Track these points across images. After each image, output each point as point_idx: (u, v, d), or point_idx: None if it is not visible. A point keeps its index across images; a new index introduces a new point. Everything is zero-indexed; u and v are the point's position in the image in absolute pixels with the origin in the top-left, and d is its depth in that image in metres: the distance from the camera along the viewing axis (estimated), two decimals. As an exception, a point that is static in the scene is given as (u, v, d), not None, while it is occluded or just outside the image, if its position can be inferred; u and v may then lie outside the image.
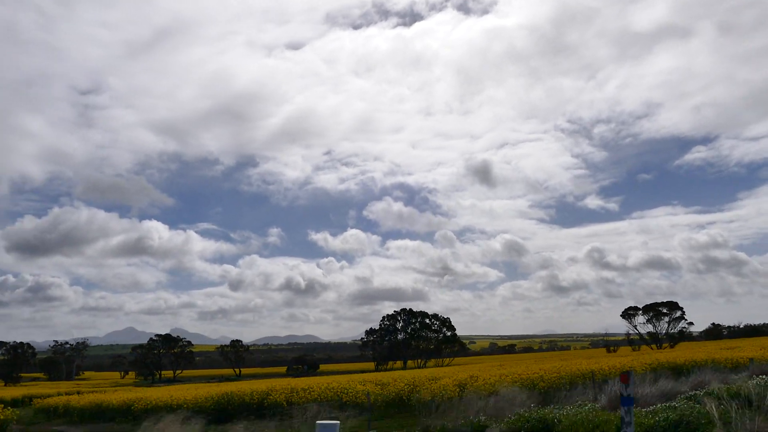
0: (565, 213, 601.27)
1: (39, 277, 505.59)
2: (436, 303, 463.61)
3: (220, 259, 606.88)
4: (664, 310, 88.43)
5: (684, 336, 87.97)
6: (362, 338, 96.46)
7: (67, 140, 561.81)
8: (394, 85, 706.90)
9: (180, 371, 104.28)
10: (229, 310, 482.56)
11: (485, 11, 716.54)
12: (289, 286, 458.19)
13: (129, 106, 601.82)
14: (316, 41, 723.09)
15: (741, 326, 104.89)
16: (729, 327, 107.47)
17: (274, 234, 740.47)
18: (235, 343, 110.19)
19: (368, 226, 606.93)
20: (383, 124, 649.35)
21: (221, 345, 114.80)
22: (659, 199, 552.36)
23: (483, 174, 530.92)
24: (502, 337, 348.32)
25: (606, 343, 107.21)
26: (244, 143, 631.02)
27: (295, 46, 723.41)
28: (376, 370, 79.72)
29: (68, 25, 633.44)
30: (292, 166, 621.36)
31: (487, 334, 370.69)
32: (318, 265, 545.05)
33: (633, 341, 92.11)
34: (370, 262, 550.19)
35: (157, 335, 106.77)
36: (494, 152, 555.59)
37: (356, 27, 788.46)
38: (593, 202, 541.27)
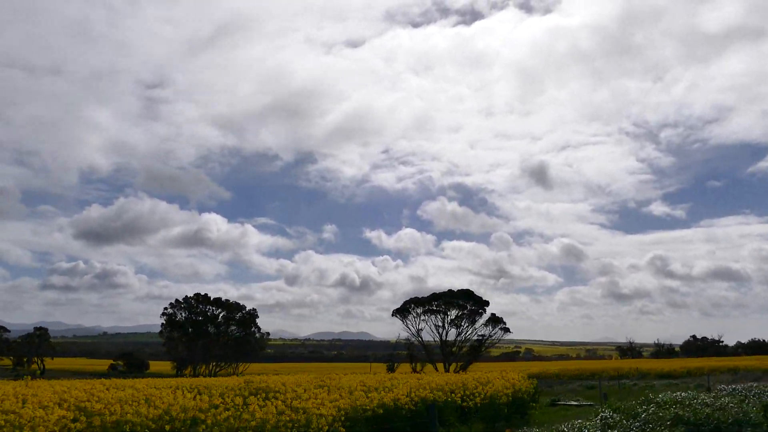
0: (629, 219, 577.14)
1: (106, 264, 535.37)
2: (491, 305, 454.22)
3: (275, 253, 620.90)
4: (468, 306, 55.03)
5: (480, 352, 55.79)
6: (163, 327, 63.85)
7: (132, 132, 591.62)
8: (454, 84, 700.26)
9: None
10: (286, 304, 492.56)
11: (548, 10, 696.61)
12: (343, 282, 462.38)
13: (191, 100, 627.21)
14: (374, 39, 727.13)
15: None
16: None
17: (329, 230, 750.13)
18: (40, 331, 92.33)
19: (422, 225, 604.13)
20: (441, 124, 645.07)
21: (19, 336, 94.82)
22: (730, 207, 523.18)
23: (541, 176, 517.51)
24: (562, 344, 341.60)
25: (393, 359, 67.49)
26: (302, 139, 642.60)
27: (353, 44, 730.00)
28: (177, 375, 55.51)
29: (135, 22, 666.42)
30: (350, 164, 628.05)
31: (547, 339, 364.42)
32: (373, 263, 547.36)
33: (413, 356, 58.32)
34: (424, 261, 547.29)
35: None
36: (555, 154, 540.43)
37: (416, 25, 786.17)
38: (658, 208, 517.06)
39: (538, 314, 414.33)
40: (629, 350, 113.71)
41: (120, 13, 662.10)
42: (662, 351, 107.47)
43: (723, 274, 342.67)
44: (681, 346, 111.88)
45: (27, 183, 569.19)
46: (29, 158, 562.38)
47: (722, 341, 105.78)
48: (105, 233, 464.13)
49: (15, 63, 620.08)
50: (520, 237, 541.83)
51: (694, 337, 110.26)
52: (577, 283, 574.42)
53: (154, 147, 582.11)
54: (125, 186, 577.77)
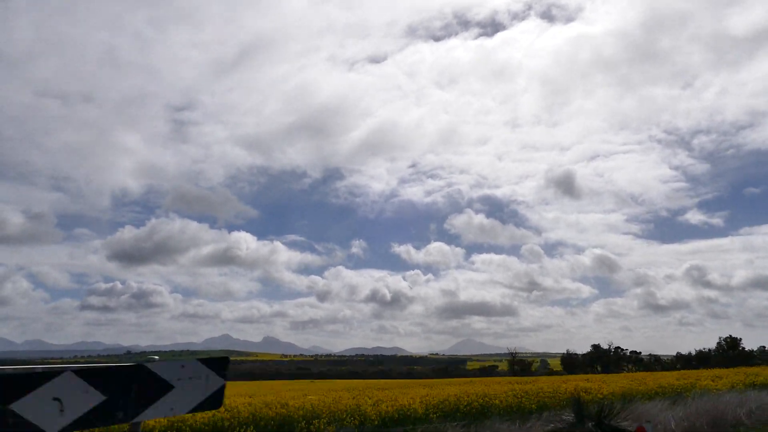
0: (664, 228, 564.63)
1: (142, 284, 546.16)
2: (526, 318, 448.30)
3: (305, 270, 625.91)
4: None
5: None
6: None
7: (162, 155, 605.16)
8: (479, 97, 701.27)
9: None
10: (319, 320, 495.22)
11: (570, 18, 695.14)
12: (374, 297, 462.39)
13: (219, 121, 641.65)
14: (397, 54, 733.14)
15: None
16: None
17: (357, 246, 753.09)
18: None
19: (451, 239, 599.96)
20: (468, 137, 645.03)
21: None
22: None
23: (569, 187, 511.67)
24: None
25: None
26: (328, 156, 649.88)
27: (376, 60, 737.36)
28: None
29: (161, 47, 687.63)
30: (377, 179, 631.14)
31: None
32: (404, 278, 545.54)
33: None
34: (455, 275, 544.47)
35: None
36: (585, 164, 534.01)
37: (437, 39, 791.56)
38: (695, 217, 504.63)
39: (575, 327, 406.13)
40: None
41: (147, 39, 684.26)
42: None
43: (764, 283, 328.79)
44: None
45: (62, 208, 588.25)
46: (64, 183, 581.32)
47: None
48: (138, 254, 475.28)
49: (49, 92, 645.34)
50: (552, 249, 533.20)
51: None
52: (612, 294, 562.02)
53: (184, 168, 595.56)
54: (156, 207, 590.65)
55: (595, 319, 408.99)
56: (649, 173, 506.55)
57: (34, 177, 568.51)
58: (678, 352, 76.25)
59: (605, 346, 74.29)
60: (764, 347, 72.17)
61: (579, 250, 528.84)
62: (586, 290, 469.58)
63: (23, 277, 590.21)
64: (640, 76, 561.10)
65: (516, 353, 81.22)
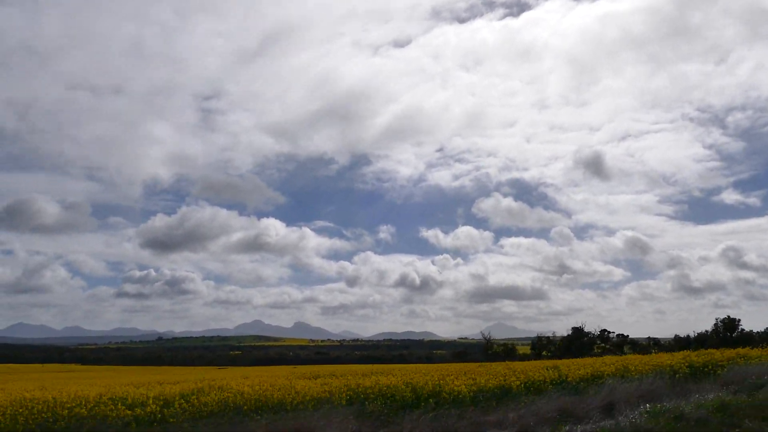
0: (698, 209, 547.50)
1: (175, 271, 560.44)
2: (557, 302, 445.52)
3: (334, 255, 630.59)
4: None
5: None
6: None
7: (191, 144, 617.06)
8: (504, 79, 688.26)
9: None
10: (349, 305, 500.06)
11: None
12: (404, 282, 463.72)
13: (246, 109, 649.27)
14: (421, 37, 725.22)
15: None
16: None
17: (385, 231, 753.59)
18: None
19: (478, 223, 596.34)
20: (495, 119, 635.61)
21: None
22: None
23: (599, 168, 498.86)
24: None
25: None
26: (355, 142, 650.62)
27: (401, 44, 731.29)
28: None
29: (187, 37, 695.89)
30: (405, 164, 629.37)
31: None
32: (433, 262, 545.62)
33: None
34: (484, 259, 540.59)
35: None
36: (615, 145, 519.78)
37: (462, 20, 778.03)
38: (730, 196, 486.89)
39: (606, 310, 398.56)
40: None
41: (172, 29, 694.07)
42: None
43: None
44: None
45: (97, 197, 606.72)
46: (98, 173, 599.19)
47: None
48: (170, 241, 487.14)
49: (80, 85, 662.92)
50: (582, 231, 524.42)
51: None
52: (645, 277, 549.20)
53: (212, 157, 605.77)
54: (186, 195, 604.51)
55: (627, 303, 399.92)
56: (682, 152, 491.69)
57: (69, 167, 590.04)
58: (676, 335, 74.07)
59: (590, 330, 71.98)
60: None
61: (610, 232, 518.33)
62: (618, 273, 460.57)
63: (61, 265, 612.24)
64: (671, 53, 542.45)
65: (543, 336, 79.72)
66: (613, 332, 75.02)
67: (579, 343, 69.33)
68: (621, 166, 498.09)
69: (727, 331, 64.47)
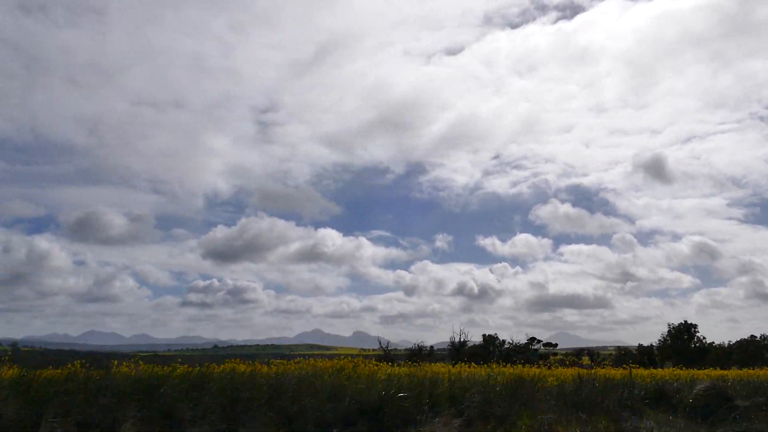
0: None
1: (237, 281, 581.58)
2: (621, 310, 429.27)
3: (391, 264, 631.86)
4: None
5: None
6: None
7: (249, 156, 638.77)
8: (560, 83, 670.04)
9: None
10: (408, 314, 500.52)
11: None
12: (462, 291, 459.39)
13: (301, 121, 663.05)
14: (473, 44, 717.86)
15: None
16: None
17: (442, 240, 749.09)
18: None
19: (536, 230, 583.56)
20: (551, 125, 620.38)
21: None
22: None
23: (661, 171, 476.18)
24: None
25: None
26: (410, 151, 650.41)
27: (453, 51, 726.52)
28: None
29: (243, 50, 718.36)
30: (461, 172, 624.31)
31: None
32: (491, 271, 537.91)
33: None
34: (543, 267, 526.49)
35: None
36: (679, 147, 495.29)
37: (514, 26, 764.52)
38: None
39: (675, 319, 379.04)
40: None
41: (229, 43, 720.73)
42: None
43: None
44: None
45: (160, 209, 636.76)
46: (161, 186, 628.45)
47: None
48: (230, 252, 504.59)
49: (142, 100, 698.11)
50: (646, 237, 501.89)
51: None
52: (715, 284, 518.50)
53: (270, 168, 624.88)
54: (245, 206, 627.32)
55: (697, 311, 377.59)
56: (752, 153, 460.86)
57: (134, 181, 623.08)
58: (618, 346, 68.52)
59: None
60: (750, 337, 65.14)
61: (676, 237, 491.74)
62: (687, 280, 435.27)
63: (129, 275, 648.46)
64: (735, 51, 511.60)
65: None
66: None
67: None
68: (685, 169, 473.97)
69: (677, 341, 60.06)
